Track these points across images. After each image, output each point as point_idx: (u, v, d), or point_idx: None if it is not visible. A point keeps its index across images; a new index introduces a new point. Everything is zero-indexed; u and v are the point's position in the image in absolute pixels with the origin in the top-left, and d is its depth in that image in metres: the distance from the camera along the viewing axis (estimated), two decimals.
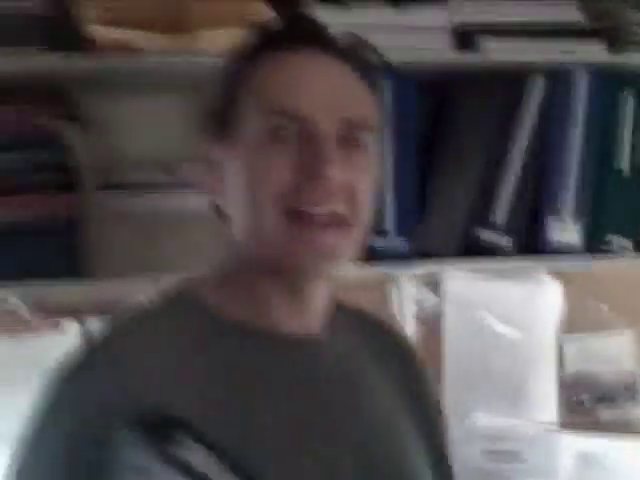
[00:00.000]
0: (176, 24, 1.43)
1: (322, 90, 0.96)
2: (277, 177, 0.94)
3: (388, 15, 1.58)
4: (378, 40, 1.49)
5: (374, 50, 1.06)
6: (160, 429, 0.87)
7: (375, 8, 1.58)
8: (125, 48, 1.40)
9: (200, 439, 0.87)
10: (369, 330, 1.15)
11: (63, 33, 1.44)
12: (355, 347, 1.09)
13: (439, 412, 1.19)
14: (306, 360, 1.01)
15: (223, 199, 1.01)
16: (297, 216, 0.94)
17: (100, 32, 1.38)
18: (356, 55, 1.02)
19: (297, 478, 0.95)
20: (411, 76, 1.57)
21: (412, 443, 1.08)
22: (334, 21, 1.46)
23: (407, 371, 1.15)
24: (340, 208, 0.96)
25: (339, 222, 0.96)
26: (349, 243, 0.98)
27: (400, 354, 1.16)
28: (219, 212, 1.02)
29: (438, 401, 1.20)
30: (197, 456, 0.87)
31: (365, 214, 0.99)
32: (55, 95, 1.47)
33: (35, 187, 1.42)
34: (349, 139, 0.97)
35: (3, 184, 1.41)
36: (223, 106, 1.00)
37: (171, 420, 0.88)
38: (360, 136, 0.97)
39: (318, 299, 1.03)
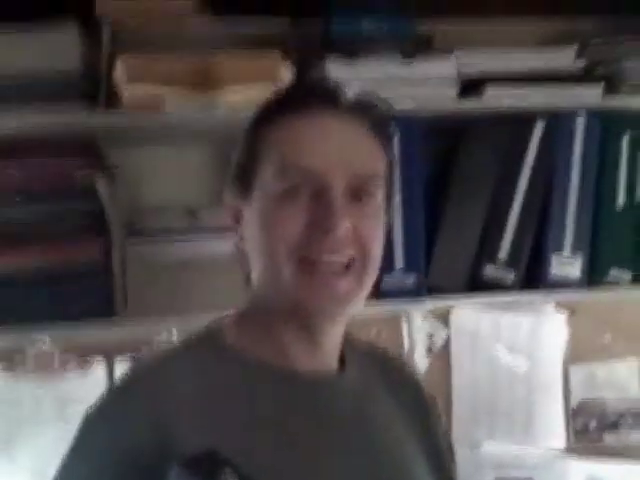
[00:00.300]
0: (202, 82, 1.48)
1: (333, 148, 1.01)
2: (291, 230, 0.99)
3: (397, 67, 1.64)
4: (387, 91, 1.57)
5: (385, 104, 1.10)
6: (207, 466, 0.90)
7: (385, 61, 1.64)
8: (153, 104, 1.46)
9: (244, 477, 0.91)
10: (381, 366, 1.19)
11: (97, 90, 1.51)
12: (368, 382, 1.13)
13: (448, 444, 1.22)
14: (322, 396, 1.06)
15: (244, 246, 1.07)
16: (310, 265, 1.00)
17: (130, 89, 1.44)
18: (367, 111, 1.06)
19: None
20: (419, 122, 1.63)
21: (422, 474, 1.12)
22: (346, 74, 1.57)
23: (418, 405, 1.19)
24: (351, 255, 1.01)
25: (350, 268, 1.01)
26: (361, 287, 1.03)
27: (411, 389, 1.20)
28: (241, 258, 1.08)
29: (447, 434, 1.24)
30: None
31: (375, 259, 1.04)
32: (87, 147, 1.53)
33: (68, 234, 1.48)
34: (359, 191, 1.02)
35: (39, 232, 1.47)
36: (244, 163, 1.06)
37: (217, 458, 0.91)
38: (369, 188, 1.03)
39: (332, 339, 1.08)
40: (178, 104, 1.47)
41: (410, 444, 1.13)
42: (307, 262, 1.00)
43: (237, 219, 1.07)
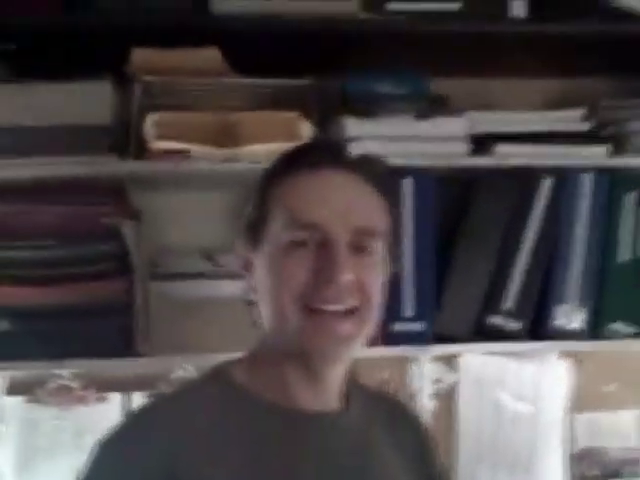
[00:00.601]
0: (225, 138, 1.54)
1: (337, 203, 1.07)
2: (297, 278, 1.05)
3: (411, 125, 1.69)
4: (402, 147, 1.64)
5: (386, 164, 1.17)
6: None
7: (400, 119, 1.69)
8: (179, 159, 1.53)
9: None
10: (383, 406, 1.24)
11: (127, 143, 1.58)
12: (369, 421, 1.17)
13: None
14: (323, 433, 1.11)
15: (254, 293, 1.12)
16: (314, 311, 1.06)
17: (158, 144, 1.51)
18: (370, 169, 1.13)
19: None
20: (431, 177, 1.68)
21: None
22: (362, 132, 1.63)
23: (417, 444, 1.23)
24: (352, 303, 1.07)
25: (352, 314, 1.07)
26: (361, 331, 1.09)
27: (411, 429, 1.25)
28: (251, 304, 1.14)
29: (446, 473, 1.27)
30: None
31: (375, 306, 1.10)
32: (115, 193, 1.59)
33: (94, 274, 1.54)
34: (361, 244, 1.08)
35: (67, 271, 1.53)
36: (255, 216, 1.12)
37: None
38: (371, 241, 1.08)
39: (334, 379, 1.13)
40: (200, 153, 1.53)
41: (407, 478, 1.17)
42: (310, 309, 1.06)
43: (247, 268, 1.13)
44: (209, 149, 1.53)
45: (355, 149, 1.16)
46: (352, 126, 1.65)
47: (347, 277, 1.05)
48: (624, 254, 1.76)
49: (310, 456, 1.08)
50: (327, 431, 1.11)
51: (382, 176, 1.14)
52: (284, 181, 1.10)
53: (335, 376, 1.13)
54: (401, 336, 1.65)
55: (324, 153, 1.13)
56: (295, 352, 1.08)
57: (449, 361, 1.82)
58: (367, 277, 1.08)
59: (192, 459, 1.02)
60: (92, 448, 1.06)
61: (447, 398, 1.82)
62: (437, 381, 1.80)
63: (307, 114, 1.62)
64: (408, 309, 1.66)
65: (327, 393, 1.13)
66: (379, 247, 1.10)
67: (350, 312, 1.07)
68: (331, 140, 1.22)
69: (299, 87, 1.62)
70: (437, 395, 1.81)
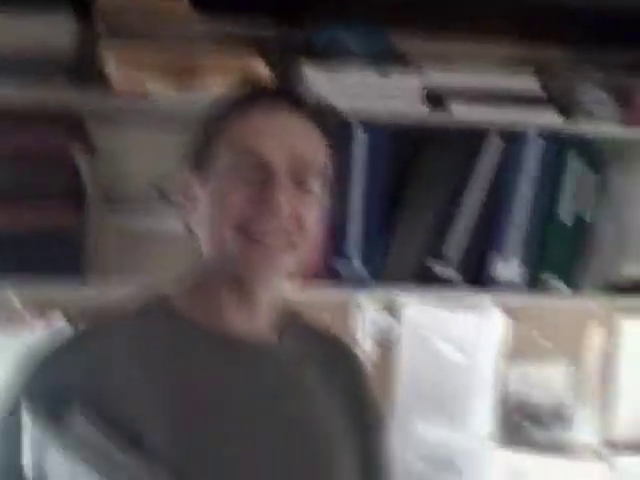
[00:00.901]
0: (183, 73, 1.56)
1: (280, 135, 1.10)
2: (236, 203, 1.09)
3: (369, 78, 1.71)
4: (358, 99, 1.67)
5: (335, 111, 1.20)
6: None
7: (358, 72, 1.71)
8: (137, 89, 1.54)
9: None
10: (323, 345, 1.25)
11: (85, 72, 1.58)
12: (304, 357, 1.20)
13: (378, 418, 1.28)
14: (253, 361, 1.14)
15: (194, 221, 1.15)
16: (250, 236, 1.09)
17: (116, 72, 1.52)
18: (317, 112, 1.16)
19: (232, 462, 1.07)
20: (386, 130, 1.71)
21: (339, 452, 1.17)
22: (321, 81, 1.65)
23: (353, 385, 1.25)
24: (288, 231, 1.10)
25: (286, 243, 1.10)
26: (293, 260, 1.12)
27: (349, 370, 1.26)
28: (190, 231, 1.16)
29: (378, 408, 1.28)
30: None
31: (310, 236, 1.13)
32: (74, 127, 1.60)
33: (47, 203, 1.54)
34: (300, 178, 1.10)
35: (22, 195, 1.54)
36: (200, 147, 1.15)
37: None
38: (310, 178, 1.11)
39: (267, 306, 1.16)
40: (159, 91, 1.54)
41: (336, 412, 1.18)
42: (248, 233, 1.09)
43: (188, 196, 1.15)
44: (166, 82, 1.54)
45: (310, 98, 1.19)
46: (311, 76, 1.67)
47: (286, 209, 1.08)
48: (565, 213, 1.81)
49: (237, 383, 1.11)
50: (256, 359, 1.14)
51: (329, 121, 1.17)
52: (232, 115, 1.12)
53: (267, 303, 1.16)
54: (344, 276, 1.69)
55: (276, 94, 1.16)
56: (230, 277, 1.12)
57: (391, 308, 1.85)
58: (305, 212, 1.11)
59: (118, 384, 1.05)
60: (19, 366, 1.09)
61: (387, 345, 1.85)
62: (378, 325, 1.84)
63: (268, 61, 1.64)
64: (353, 250, 1.70)
65: (260, 320, 1.15)
66: (318, 185, 1.13)
67: (284, 242, 1.10)
68: (285, 84, 1.24)
69: (262, 30, 1.63)
70: (377, 341, 1.85)
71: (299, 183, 1.10)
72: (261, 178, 1.09)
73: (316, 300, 1.56)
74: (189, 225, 1.16)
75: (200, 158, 1.14)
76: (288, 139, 1.11)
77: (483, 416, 1.84)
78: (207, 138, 1.14)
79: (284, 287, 1.18)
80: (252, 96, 1.15)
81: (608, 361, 1.98)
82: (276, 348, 1.17)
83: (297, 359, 1.18)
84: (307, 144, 1.12)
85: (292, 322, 1.22)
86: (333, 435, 1.16)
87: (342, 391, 1.21)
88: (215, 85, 1.57)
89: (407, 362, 1.83)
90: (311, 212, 1.12)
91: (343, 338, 1.31)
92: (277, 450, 1.10)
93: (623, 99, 1.87)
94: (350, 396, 1.22)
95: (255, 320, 1.15)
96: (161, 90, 1.56)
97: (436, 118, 1.75)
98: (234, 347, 1.13)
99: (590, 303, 1.89)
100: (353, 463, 1.18)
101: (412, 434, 1.81)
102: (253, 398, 1.11)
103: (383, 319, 1.84)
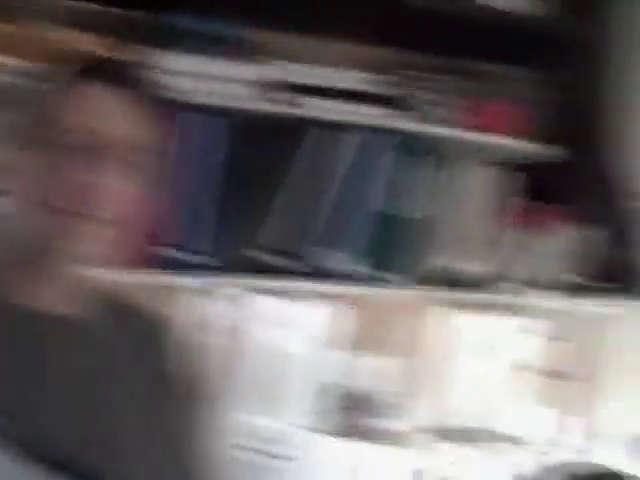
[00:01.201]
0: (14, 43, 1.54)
1: (103, 112, 1.09)
2: (49, 178, 1.08)
3: (212, 64, 1.72)
4: (203, 85, 1.65)
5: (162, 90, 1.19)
6: None
7: (203, 57, 1.72)
8: None
9: None
10: (131, 320, 1.24)
11: None
12: (109, 332, 1.18)
13: (192, 397, 1.26)
14: (58, 335, 1.12)
15: (13, 197, 1.12)
16: (59, 213, 1.07)
17: None
18: (142, 91, 1.16)
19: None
20: (219, 115, 1.72)
21: (151, 422, 1.17)
22: (166, 65, 1.64)
23: (162, 357, 1.23)
24: (102, 211, 1.08)
25: (98, 222, 1.08)
26: (102, 238, 1.10)
27: (158, 342, 1.25)
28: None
29: (194, 388, 1.27)
30: None
31: (122, 220, 1.11)
32: None
33: None
34: (121, 154, 1.09)
35: None
36: (28, 123, 1.13)
37: None
38: (131, 153, 1.10)
39: (72, 283, 1.15)
40: None
41: (140, 398, 1.18)
42: (56, 211, 1.07)
43: (14, 174, 1.12)
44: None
45: (144, 78, 1.20)
46: (157, 59, 1.66)
47: (102, 186, 1.07)
48: (400, 209, 1.86)
49: (45, 356, 1.10)
50: (61, 333, 1.12)
51: (157, 103, 1.16)
52: (57, 92, 1.12)
53: (72, 278, 1.14)
54: (177, 266, 1.68)
55: (104, 70, 1.15)
56: (37, 251, 1.10)
57: (229, 298, 1.83)
58: (117, 190, 1.09)
59: None
60: None
61: (224, 333, 1.84)
62: (218, 315, 1.83)
63: (114, 41, 1.63)
64: (185, 238, 1.69)
65: (64, 294, 1.14)
66: (138, 166, 1.11)
67: (96, 221, 1.08)
68: (122, 64, 1.23)
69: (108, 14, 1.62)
70: (213, 330, 1.83)
71: (116, 162, 1.09)
72: (79, 155, 1.07)
73: (144, 286, 1.53)
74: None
75: (26, 133, 1.12)
76: (111, 115, 1.10)
77: (315, 405, 1.86)
78: (34, 115, 1.12)
79: (98, 267, 1.16)
80: (79, 73, 1.13)
81: (441, 352, 2.03)
82: (81, 324, 1.15)
83: (103, 336, 1.17)
84: (126, 123, 1.11)
85: (105, 302, 1.20)
86: (138, 413, 1.16)
87: (152, 369, 1.21)
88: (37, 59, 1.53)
89: (244, 351, 1.83)
90: (125, 192, 1.10)
91: (157, 317, 1.29)
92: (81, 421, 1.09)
93: (461, 102, 1.94)
94: (160, 374, 1.21)
95: (60, 296, 1.13)
96: None
97: (270, 108, 1.77)
98: (39, 322, 1.11)
99: (422, 295, 1.93)
100: (160, 441, 1.17)
101: (243, 423, 1.81)
102: (61, 373, 1.10)
103: (220, 307, 1.83)
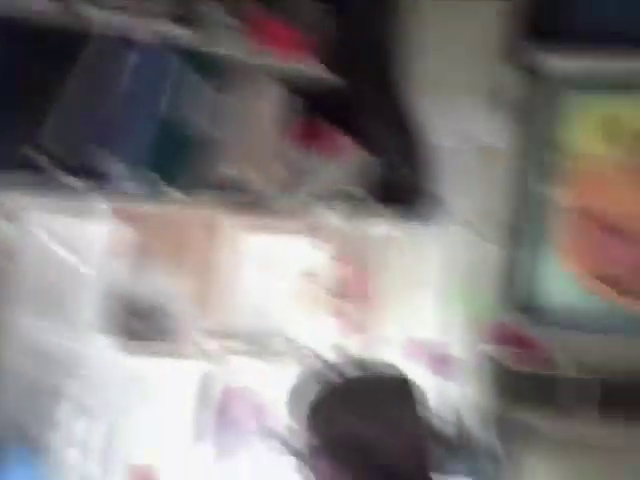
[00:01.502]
0: None
1: None
2: None
3: None
4: None
5: None
6: None
7: None
8: None
9: None
10: None
11: None
12: None
13: None
14: None
15: None
16: None
17: None
18: None
19: None
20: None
21: None
22: None
23: None
24: None
25: None
26: None
27: None
28: None
29: None
30: None
31: None
32: None
33: None
34: None
35: None
36: None
37: None
38: None
39: None
40: None
41: None
42: None
43: None
44: None
45: None
46: None
47: None
48: (180, 121, 1.87)
49: None
50: None
51: None
52: None
53: None
54: None
55: None
56: None
57: (8, 214, 1.76)
58: None
59: None
60: None
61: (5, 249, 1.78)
62: None
63: None
64: None
65: None
66: None
67: None
68: None
69: None
70: None
71: None
72: None
73: None
74: None
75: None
76: None
77: (99, 319, 1.85)
78: None
79: None
80: None
81: (228, 267, 2.05)
82: None
83: None
84: None
85: None
86: None
87: None
88: None
89: (24, 266, 1.79)
90: None
91: None
92: None
93: (252, 26, 1.98)
94: None
95: None
96: None
97: (57, 15, 1.73)
98: None
99: (206, 210, 1.95)
100: None
101: (24, 335, 1.77)
102: None
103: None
